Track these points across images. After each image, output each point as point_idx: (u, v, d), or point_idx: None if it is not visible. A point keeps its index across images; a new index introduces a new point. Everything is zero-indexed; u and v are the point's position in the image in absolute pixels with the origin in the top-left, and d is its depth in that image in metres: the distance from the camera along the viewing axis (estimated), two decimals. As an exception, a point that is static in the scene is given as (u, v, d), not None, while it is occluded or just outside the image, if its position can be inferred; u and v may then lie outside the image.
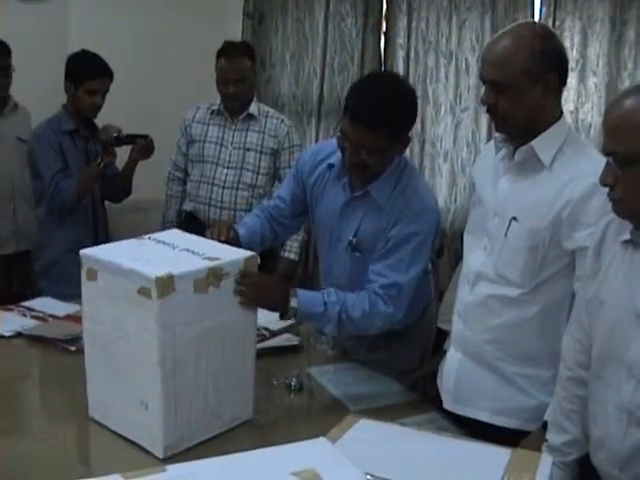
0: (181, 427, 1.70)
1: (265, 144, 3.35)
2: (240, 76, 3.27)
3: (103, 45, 3.23)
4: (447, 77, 4.10)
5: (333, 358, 2.33)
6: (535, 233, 1.81)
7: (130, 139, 3.10)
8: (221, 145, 3.37)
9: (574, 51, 3.84)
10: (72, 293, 2.10)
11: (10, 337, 2.28)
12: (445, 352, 2.10)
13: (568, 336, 1.73)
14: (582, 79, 3.88)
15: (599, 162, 1.56)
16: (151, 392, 1.66)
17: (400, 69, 4.09)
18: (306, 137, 4.24)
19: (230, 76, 3.26)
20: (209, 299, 1.69)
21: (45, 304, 2.56)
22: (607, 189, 1.50)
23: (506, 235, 1.85)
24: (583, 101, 3.89)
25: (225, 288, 1.73)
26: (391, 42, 4.17)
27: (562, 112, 1.88)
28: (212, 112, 3.41)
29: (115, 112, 3.15)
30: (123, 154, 3.18)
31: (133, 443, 1.72)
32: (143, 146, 3.11)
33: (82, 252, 1.77)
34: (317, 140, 4.22)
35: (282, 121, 3.41)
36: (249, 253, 1.82)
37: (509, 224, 1.85)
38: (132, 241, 1.85)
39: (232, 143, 3.36)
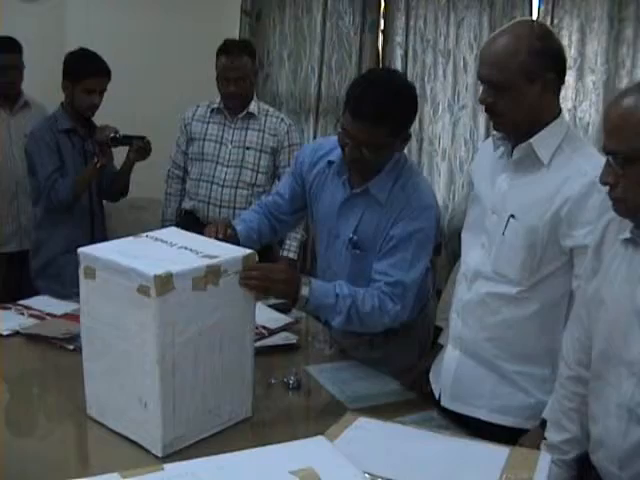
0: (180, 425, 1.69)
1: (265, 143, 3.34)
2: (241, 74, 3.25)
3: (100, 44, 3.22)
4: (445, 75, 4.11)
5: (331, 357, 2.32)
6: (533, 231, 1.81)
7: (127, 140, 3.08)
8: (221, 143, 3.36)
9: (572, 49, 3.84)
10: (69, 292, 2.10)
11: (8, 336, 2.28)
12: (441, 346, 2.10)
13: (568, 334, 1.73)
14: (580, 77, 3.87)
15: (598, 160, 1.56)
16: (150, 390, 1.66)
17: (398, 67, 4.09)
18: (304, 135, 4.24)
19: (231, 74, 3.24)
20: (208, 297, 1.69)
21: (43, 303, 2.55)
22: (606, 187, 1.50)
23: (504, 233, 1.85)
24: (581, 99, 3.89)
25: (224, 286, 1.72)
26: (389, 40, 4.18)
27: (561, 110, 1.87)
28: (212, 110, 3.40)
29: (112, 111, 3.13)
30: (120, 153, 3.17)
31: (131, 441, 1.72)
32: (140, 147, 3.09)
33: (80, 250, 1.76)
34: (315, 138, 4.22)
35: (282, 120, 3.40)
36: (247, 251, 1.81)
37: (507, 222, 1.84)
38: (130, 239, 1.84)
39: (232, 141, 3.35)
